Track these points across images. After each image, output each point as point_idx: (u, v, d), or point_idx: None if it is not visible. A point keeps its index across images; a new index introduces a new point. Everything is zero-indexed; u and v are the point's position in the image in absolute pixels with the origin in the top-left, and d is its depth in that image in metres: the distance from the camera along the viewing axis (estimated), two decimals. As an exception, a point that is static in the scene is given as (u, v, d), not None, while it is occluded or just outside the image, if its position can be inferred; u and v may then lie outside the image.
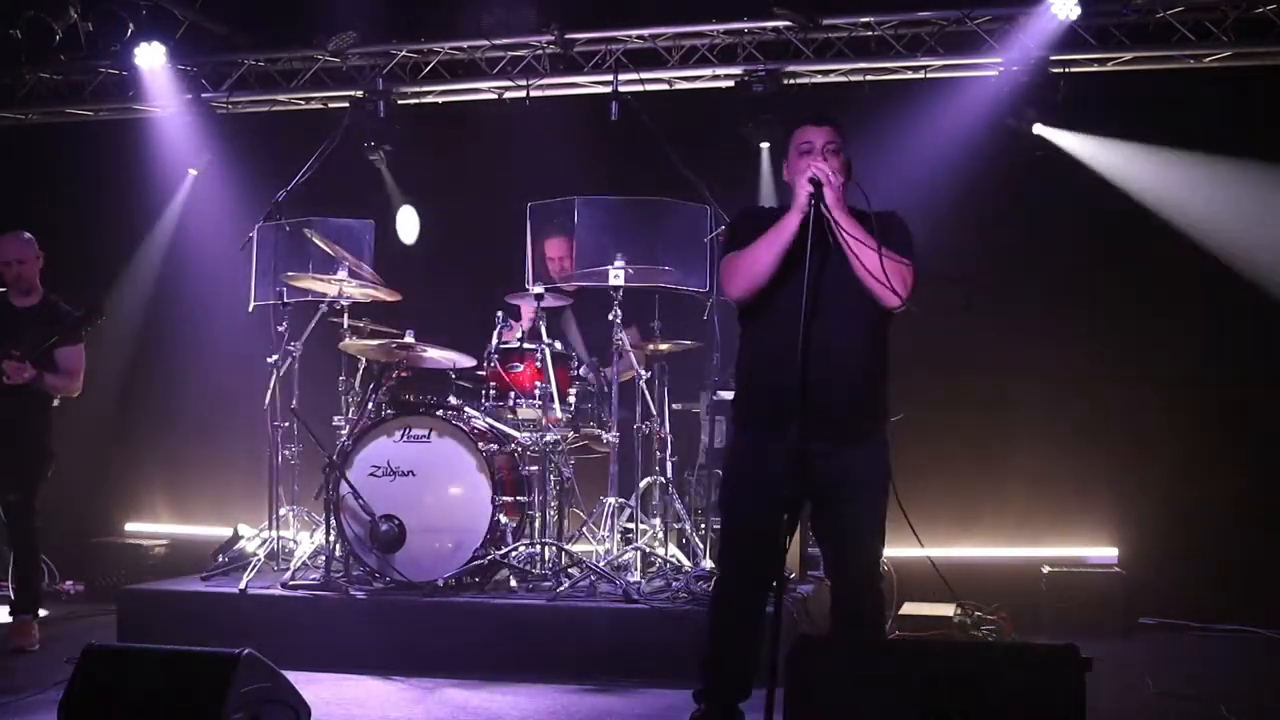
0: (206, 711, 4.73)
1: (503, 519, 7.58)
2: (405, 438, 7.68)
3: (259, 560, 7.84)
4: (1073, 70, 9.28)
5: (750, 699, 5.31)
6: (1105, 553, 9.18)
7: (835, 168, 5.22)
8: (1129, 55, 9.25)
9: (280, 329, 8.21)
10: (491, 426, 7.93)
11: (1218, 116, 9.15)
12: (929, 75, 9.61)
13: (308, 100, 10.67)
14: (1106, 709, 6.21)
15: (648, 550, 7.74)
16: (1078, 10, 8.83)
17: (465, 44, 10.07)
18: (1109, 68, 9.36)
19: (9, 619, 7.95)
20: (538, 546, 7.80)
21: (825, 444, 5.10)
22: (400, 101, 10.27)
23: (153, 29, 9.95)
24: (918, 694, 4.42)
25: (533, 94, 10.02)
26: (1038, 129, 9.26)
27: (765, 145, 9.71)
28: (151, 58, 10.03)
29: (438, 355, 8.00)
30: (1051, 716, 4.38)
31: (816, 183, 5.07)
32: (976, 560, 9.31)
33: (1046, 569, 9.05)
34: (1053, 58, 9.13)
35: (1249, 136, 9.00)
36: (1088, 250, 9.38)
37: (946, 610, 8.37)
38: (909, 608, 8.27)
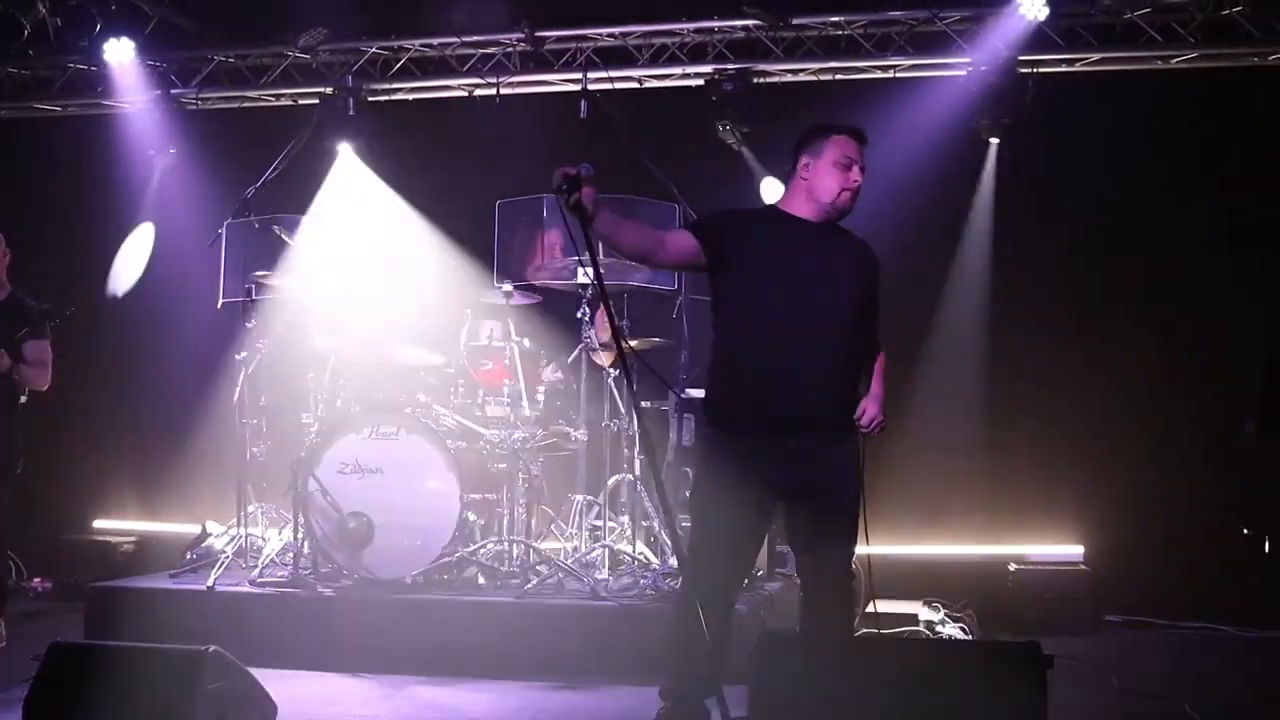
0: (173, 709, 4.73)
1: (471, 516, 7.60)
2: (373, 435, 7.67)
3: (227, 558, 7.84)
4: (1041, 71, 9.32)
5: (716, 696, 5.32)
6: (1071, 550, 9.21)
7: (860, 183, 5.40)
8: (1097, 56, 9.30)
9: (249, 326, 8.19)
10: (460, 424, 7.93)
11: (1185, 119, 9.21)
12: (898, 75, 9.64)
13: (278, 97, 10.63)
14: (1071, 706, 6.25)
15: (616, 548, 7.75)
16: (1046, 11, 8.87)
17: (435, 41, 10.06)
18: (1077, 68, 9.40)
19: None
20: (506, 544, 7.80)
21: (797, 443, 5.13)
22: (370, 99, 10.25)
23: (122, 24, 9.91)
24: (881, 691, 4.45)
25: (503, 92, 10.01)
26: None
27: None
28: (120, 53, 9.99)
29: (406, 353, 7.99)
30: (1013, 713, 4.41)
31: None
32: (944, 558, 9.38)
33: (1013, 567, 9.10)
34: (1021, 58, 9.16)
35: (1216, 140, 9.07)
36: (1056, 250, 9.41)
37: (914, 608, 8.41)
38: (877, 605, 8.29)
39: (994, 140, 9.34)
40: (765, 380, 4.93)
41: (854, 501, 5.29)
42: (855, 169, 5.35)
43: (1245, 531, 5.41)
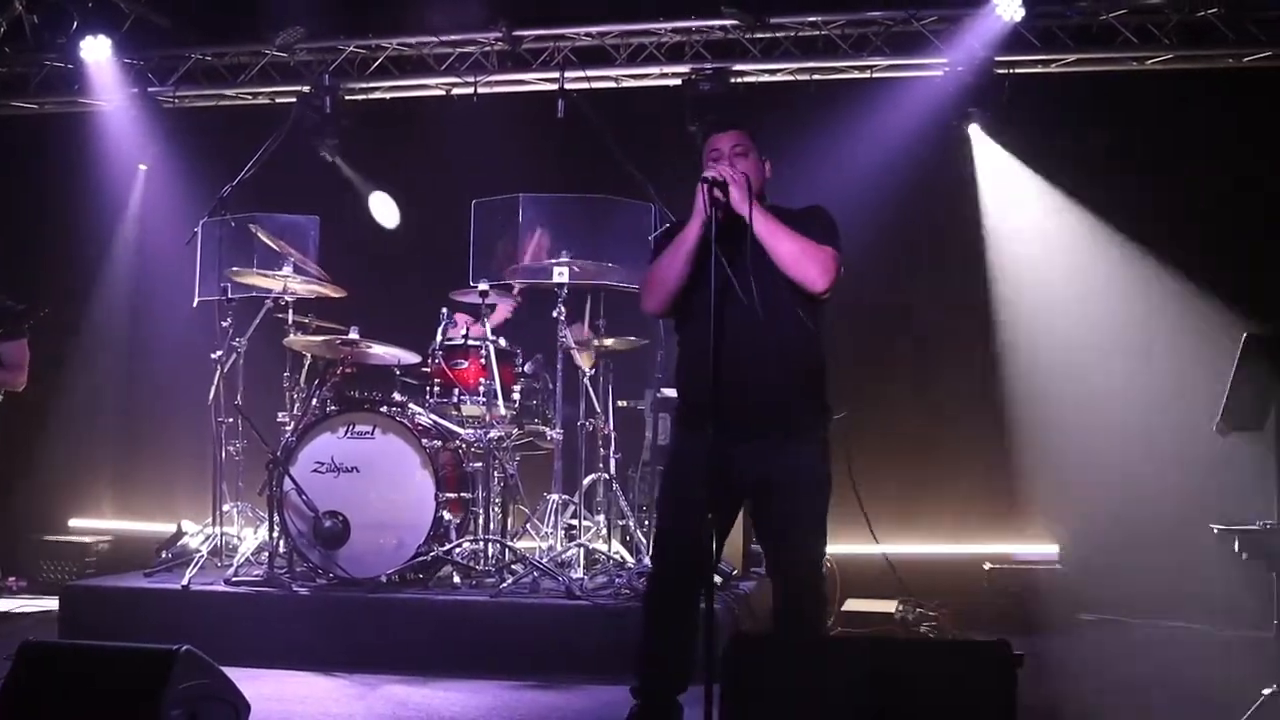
0: (144, 708, 4.70)
1: (446, 515, 7.60)
2: (349, 434, 7.67)
3: (202, 556, 7.83)
4: (1017, 71, 9.36)
5: (687, 693, 5.33)
6: (1046, 550, 9.26)
7: (744, 169, 5.25)
8: (1072, 57, 9.35)
9: (225, 324, 8.19)
10: (436, 423, 7.93)
11: (1162, 119, 9.26)
12: (875, 75, 9.69)
13: (255, 95, 10.63)
14: (1044, 705, 6.28)
15: (591, 547, 7.76)
16: (1022, 12, 8.92)
17: (413, 40, 10.07)
18: (1053, 69, 9.43)
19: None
20: (481, 543, 7.80)
21: (758, 443, 5.13)
22: (348, 97, 10.26)
23: (98, 22, 9.92)
24: (851, 690, 4.44)
25: (480, 91, 10.03)
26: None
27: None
28: (97, 51, 9.99)
29: (382, 351, 8.00)
30: (983, 711, 4.41)
31: (720, 184, 5.07)
32: (919, 557, 9.39)
33: (988, 565, 9.14)
34: (997, 58, 9.22)
35: (1191, 140, 9.12)
36: (1032, 249, 9.45)
37: (888, 607, 8.44)
38: (852, 604, 8.32)
39: (968, 142, 9.37)
40: (723, 378, 4.91)
41: (819, 499, 5.28)
42: (726, 155, 5.30)
43: (1215, 530, 5.43)
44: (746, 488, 5.24)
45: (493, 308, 8.20)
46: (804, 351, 5.30)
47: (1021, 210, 9.46)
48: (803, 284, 5.15)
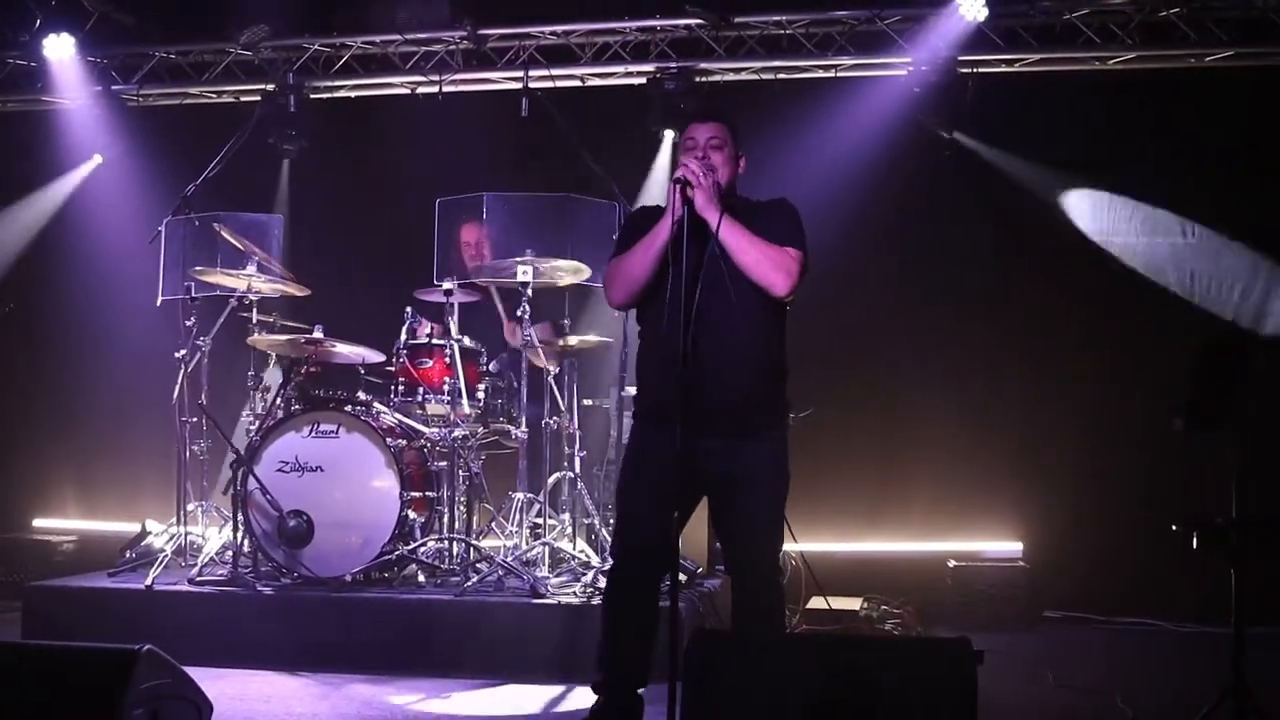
0: (105, 708, 4.68)
1: (411, 514, 7.59)
2: (313, 433, 7.66)
3: (166, 556, 7.81)
4: (981, 71, 9.40)
5: (647, 688, 5.35)
6: (1010, 547, 9.30)
7: (717, 162, 5.28)
8: (1036, 56, 9.38)
9: (189, 324, 8.16)
10: (400, 422, 7.92)
11: (1124, 119, 9.32)
12: (840, 74, 9.70)
13: (219, 93, 10.59)
14: (1006, 701, 6.33)
15: (556, 545, 7.77)
16: (985, 11, 8.94)
17: (378, 38, 10.04)
18: (1016, 69, 9.48)
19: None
20: (446, 542, 7.80)
21: (716, 440, 5.14)
22: (313, 96, 10.24)
23: (62, 20, 9.88)
24: (813, 687, 4.47)
25: (446, 89, 10.01)
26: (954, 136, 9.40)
27: (669, 133, 9.74)
28: (60, 49, 9.95)
29: (347, 350, 7.98)
30: (944, 708, 4.43)
31: (685, 182, 5.10)
32: (883, 555, 9.47)
33: (952, 563, 9.18)
34: (961, 58, 9.25)
35: (1153, 140, 9.18)
36: (993, 249, 9.49)
37: (853, 604, 8.47)
38: (816, 601, 8.34)
39: (931, 141, 9.41)
40: (675, 378, 4.92)
41: (778, 496, 5.30)
42: (701, 146, 5.33)
43: (1174, 528, 5.47)
44: (706, 484, 5.26)
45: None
46: (765, 349, 5.33)
47: (985, 208, 9.49)
48: (766, 289, 5.17)
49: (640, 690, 5.38)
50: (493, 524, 8.19)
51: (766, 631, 5.28)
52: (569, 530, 8.00)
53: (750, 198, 5.50)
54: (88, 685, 4.74)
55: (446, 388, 7.83)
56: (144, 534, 8.53)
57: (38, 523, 10.84)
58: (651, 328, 5.39)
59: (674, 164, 5.37)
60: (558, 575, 7.54)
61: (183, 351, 8.14)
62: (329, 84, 10.31)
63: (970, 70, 9.33)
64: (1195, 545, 5.34)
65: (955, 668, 4.47)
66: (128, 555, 8.29)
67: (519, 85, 9.57)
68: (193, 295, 8.17)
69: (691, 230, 5.03)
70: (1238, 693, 5.25)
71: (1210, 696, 5.31)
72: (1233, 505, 5.29)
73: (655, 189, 9.60)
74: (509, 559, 7.54)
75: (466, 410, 7.82)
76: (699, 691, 4.53)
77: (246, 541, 7.59)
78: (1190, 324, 8.89)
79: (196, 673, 5.21)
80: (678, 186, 5.08)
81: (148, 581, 7.46)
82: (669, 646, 4.68)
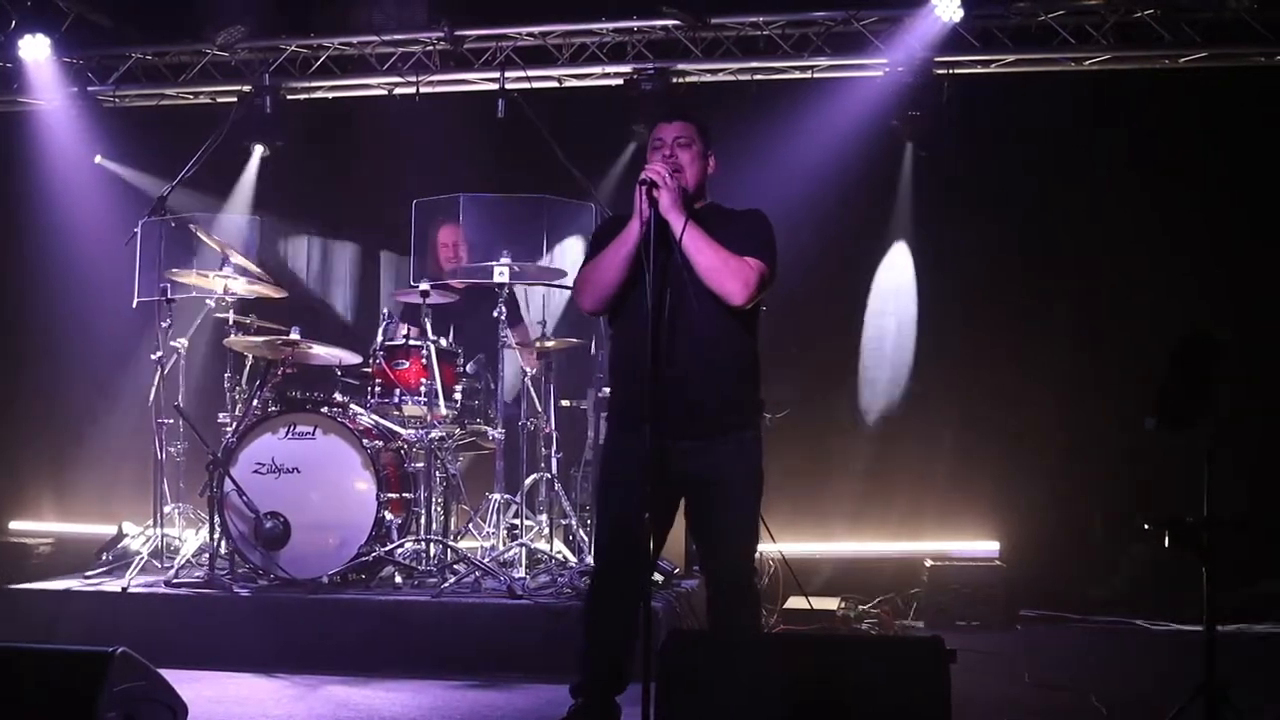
0: (79, 711, 4.68)
1: (388, 516, 7.59)
2: (290, 435, 7.65)
3: (142, 558, 7.79)
4: (956, 72, 9.43)
5: (625, 692, 5.36)
6: (987, 547, 9.32)
7: (684, 161, 5.29)
8: (1011, 57, 9.42)
9: (165, 325, 8.14)
10: (377, 423, 7.92)
11: (1099, 120, 9.36)
12: (816, 75, 9.72)
13: (196, 95, 10.57)
14: (982, 700, 6.34)
15: (533, 546, 7.78)
16: (961, 12, 8.97)
17: (355, 40, 10.03)
18: (992, 69, 9.51)
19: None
20: (423, 543, 7.78)
21: (689, 442, 5.15)
22: (290, 97, 10.23)
23: (38, 21, 9.84)
24: (787, 687, 4.49)
25: (423, 90, 10.00)
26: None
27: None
28: (36, 50, 9.91)
29: (324, 352, 7.97)
30: (917, 707, 4.46)
31: (650, 183, 5.10)
32: (862, 555, 9.49)
33: (929, 563, 9.19)
34: (937, 59, 9.29)
35: (1128, 141, 9.23)
36: (971, 247, 9.52)
37: (830, 604, 8.49)
38: (795, 601, 8.35)
39: (909, 143, 9.45)
40: (644, 381, 4.92)
41: (752, 496, 5.31)
42: (669, 145, 5.34)
43: (1145, 527, 5.50)
44: (681, 485, 5.27)
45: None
46: (736, 351, 5.33)
47: (962, 208, 9.52)
48: (722, 296, 5.17)
49: (618, 693, 5.40)
50: (470, 525, 8.19)
51: (740, 632, 5.29)
52: (546, 531, 8.00)
53: (726, 205, 5.51)
54: (61, 688, 4.73)
55: (423, 389, 7.83)
56: (121, 536, 8.51)
57: (14, 525, 10.81)
58: (622, 330, 5.40)
59: (642, 164, 5.34)
60: (535, 576, 7.55)
61: (159, 353, 8.12)
62: (305, 85, 10.30)
63: (946, 71, 9.35)
64: (1167, 544, 5.36)
65: (927, 667, 4.50)
66: (104, 557, 8.27)
67: (496, 86, 9.56)
68: (169, 297, 8.15)
69: (659, 232, 5.03)
70: (1210, 690, 5.28)
71: (1184, 694, 5.34)
72: (1204, 504, 5.31)
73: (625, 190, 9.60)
74: (486, 560, 7.55)
75: (443, 411, 7.82)
76: (673, 692, 4.54)
77: (223, 543, 7.58)
78: (1166, 325, 8.91)
79: (173, 675, 5.21)
80: (643, 188, 5.09)
81: (124, 584, 7.44)
82: (643, 647, 4.68)
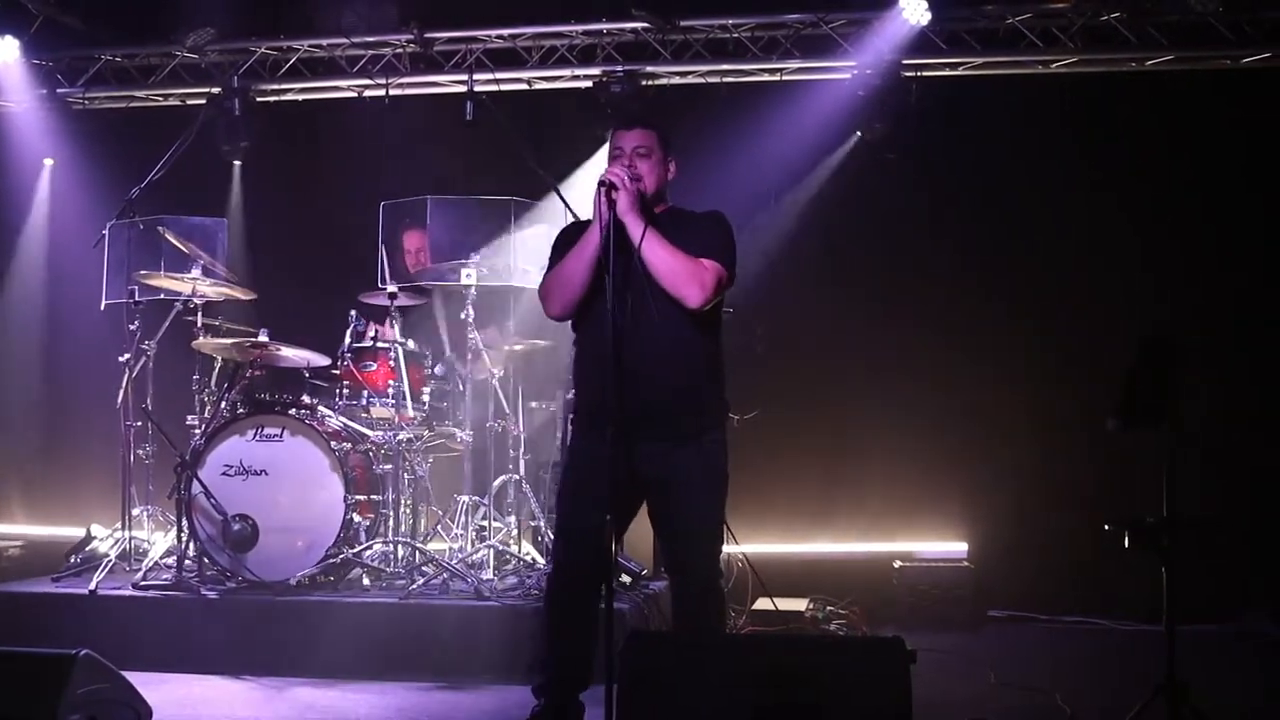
0: (41, 713, 4.69)
1: (356, 518, 7.60)
2: (258, 437, 7.65)
3: (110, 561, 7.79)
4: (924, 74, 9.46)
5: (588, 691, 5.38)
6: (955, 547, 9.36)
7: (643, 171, 5.32)
8: (979, 60, 9.44)
9: (133, 327, 8.14)
10: (345, 425, 7.93)
11: (1066, 122, 9.41)
12: (785, 77, 9.73)
13: (165, 97, 10.53)
14: (947, 699, 6.36)
15: (501, 548, 7.78)
16: (928, 15, 9.00)
17: (325, 42, 10.01)
18: (960, 72, 9.54)
19: None
20: (391, 545, 7.79)
21: (651, 444, 5.18)
22: (259, 99, 10.21)
23: (6, 23, 9.80)
24: (748, 688, 4.51)
25: (392, 93, 9.98)
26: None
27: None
28: (4, 52, 9.88)
29: (292, 354, 7.97)
30: (878, 707, 4.48)
31: (609, 185, 5.11)
32: (830, 555, 9.51)
33: (898, 563, 9.23)
34: (905, 61, 9.31)
35: (1095, 143, 9.28)
36: (939, 250, 9.55)
37: (799, 605, 8.51)
38: (762, 602, 8.37)
39: (874, 144, 9.48)
40: (606, 383, 4.95)
41: (716, 497, 5.34)
42: (628, 154, 5.36)
43: (1106, 528, 5.54)
44: (644, 486, 5.29)
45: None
46: (699, 353, 5.35)
47: (929, 211, 9.56)
48: (678, 300, 5.19)
49: (581, 693, 5.42)
50: (438, 527, 8.19)
51: (702, 632, 5.31)
52: (514, 532, 8.01)
53: (686, 208, 5.53)
54: (23, 690, 4.74)
55: (391, 391, 7.84)
56: (89, 538, 8.51)
57: (-16, 527, 10.78)
58: (585, 334, 5.42)
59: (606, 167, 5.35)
60: (503, 578, 7.55)
61: (127, 355, 8.13)
62: (275, 87, 10.27)
63: (914, 74, 9.39)
64: (1127, 544, 5.40)
65: (888, 667, 4.52)
66: (73, 560, 8.26)
67: (466, 88, 9.56)
68: (137, 299, 8.16)
69: (619, 235, 5.06)
70: (1170, 690, 5.32)
71: (1143, 693, 5.38)
72: (1163, 504, 5.35)
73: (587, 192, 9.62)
74: (454, 562, 7.55)
75: (411, 413, 7.83)
76: (635, 693, 4.56)
77: (191, 546, 7.56)
78: (1131, 326, 8.96)
79: (140, 677, 5.24)
80: (602, 190, 5.11)
81: (91, 586, 7.44)
82: (605, 648, 4.70)
